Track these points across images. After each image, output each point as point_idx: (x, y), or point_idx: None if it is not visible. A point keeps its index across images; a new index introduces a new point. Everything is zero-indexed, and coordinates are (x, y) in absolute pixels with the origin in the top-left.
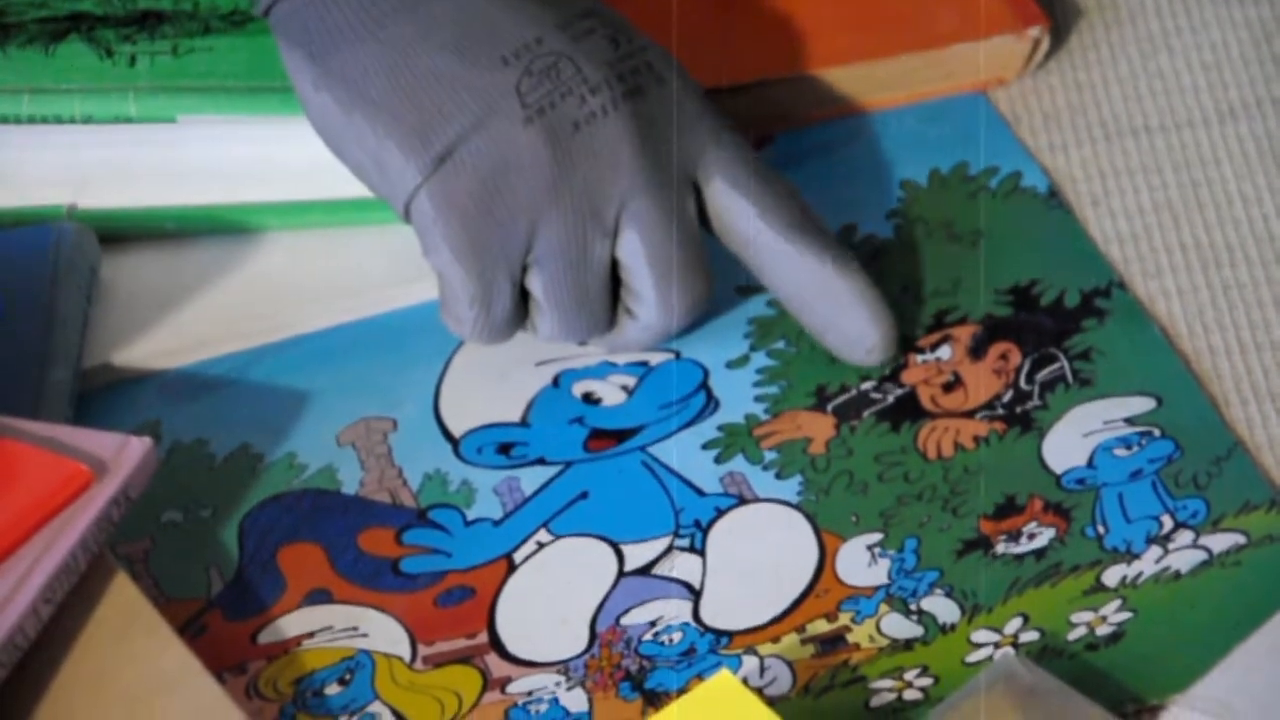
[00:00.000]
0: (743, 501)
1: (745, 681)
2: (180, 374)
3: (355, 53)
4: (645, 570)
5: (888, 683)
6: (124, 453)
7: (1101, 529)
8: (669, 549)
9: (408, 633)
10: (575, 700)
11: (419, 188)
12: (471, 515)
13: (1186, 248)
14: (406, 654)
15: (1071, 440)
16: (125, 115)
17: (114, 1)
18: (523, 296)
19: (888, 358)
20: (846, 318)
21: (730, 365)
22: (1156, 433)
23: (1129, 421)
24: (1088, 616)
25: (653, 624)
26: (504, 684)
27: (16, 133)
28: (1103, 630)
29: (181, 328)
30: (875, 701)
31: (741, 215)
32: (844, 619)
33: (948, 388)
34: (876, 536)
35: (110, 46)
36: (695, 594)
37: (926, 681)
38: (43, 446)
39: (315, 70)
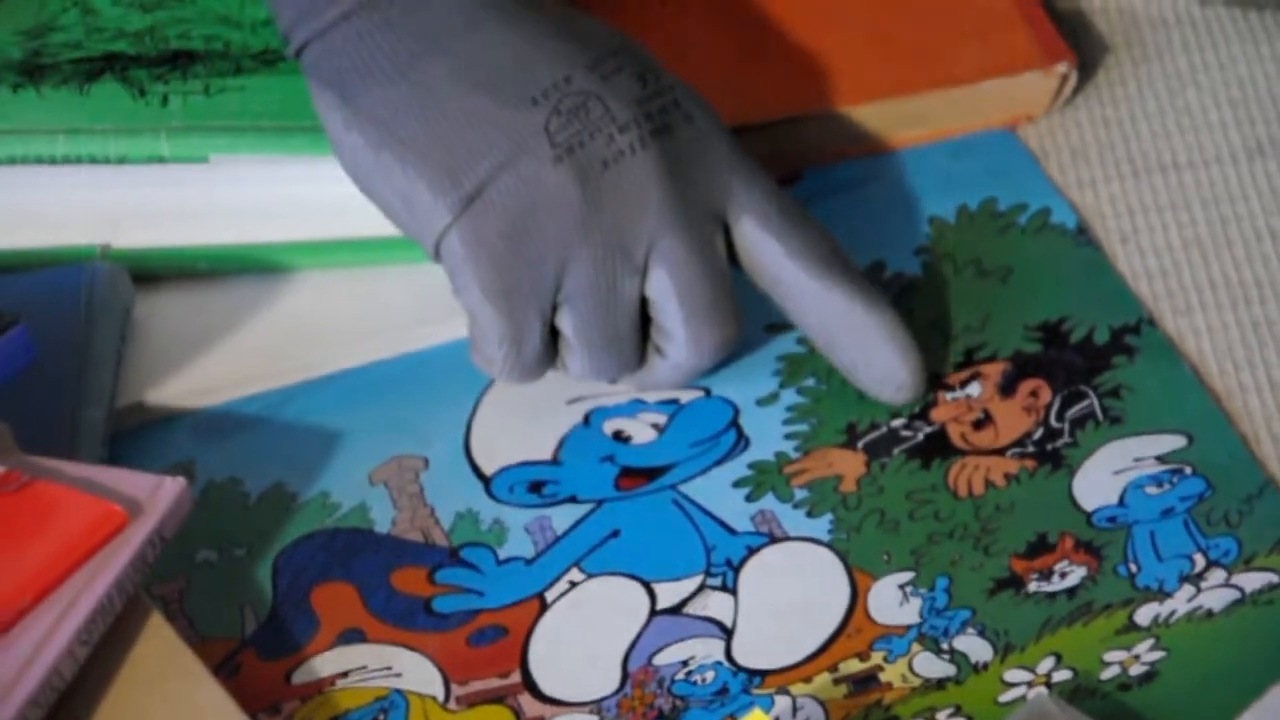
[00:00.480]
0: (774, 540)
1: None
2: (213, 413)
3: (385, 93)
4: (677, 609)
5: None
6: (159, 493)
7: (1133, 567)
8: (701, 588)
9: (441, 672)
10: None
11: (449, 227)
12: (503, 554)
13: (1216, 284)
14: (440, 694)
15: (1102, 478)
16: (158, 155)
17: (147, 42)
18: (553, 335)
19: (917, 396)
20: (875, 356)
21: (760, 403)
22: (1188, 470)
23: (1160, 459)
24: (1121, 656)
25: (685, 663)
26: None
27: (51, 173)
28: (1136, 670)
29: (213, 367)
30: None
31: (770, 254)
32: (876, 658)
33: (978, 425)
34: (908, 575)
35: (143, 86)
36: (727, 633)
37: None
38: (78, 487)
39: (346, 110)
